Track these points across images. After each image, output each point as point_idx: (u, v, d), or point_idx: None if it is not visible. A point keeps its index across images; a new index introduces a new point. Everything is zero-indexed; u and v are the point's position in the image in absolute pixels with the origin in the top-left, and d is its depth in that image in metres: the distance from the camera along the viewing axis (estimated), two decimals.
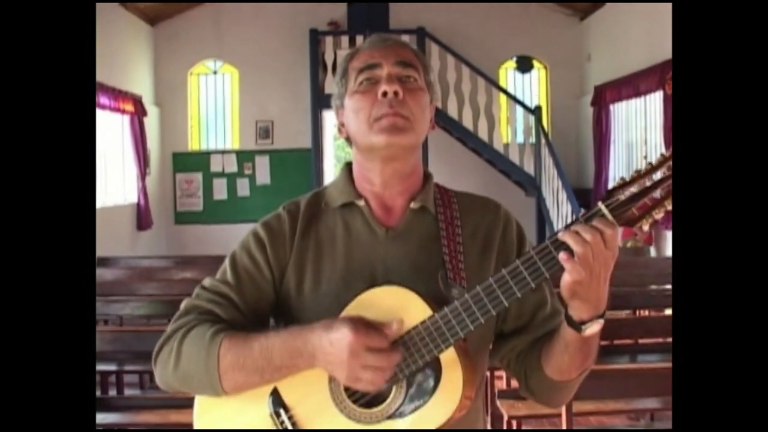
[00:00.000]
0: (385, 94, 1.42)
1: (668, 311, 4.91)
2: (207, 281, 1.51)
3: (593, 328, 1.31)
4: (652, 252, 7.19)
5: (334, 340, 1.29)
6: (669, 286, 4.87)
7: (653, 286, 5.04)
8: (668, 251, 7.39)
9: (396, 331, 1.31)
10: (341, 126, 1.52)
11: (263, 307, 1.49)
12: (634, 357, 4.07)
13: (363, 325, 1.30)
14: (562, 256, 1.24)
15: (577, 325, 1.31)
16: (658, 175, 1.24)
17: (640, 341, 4.15)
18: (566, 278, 1.25)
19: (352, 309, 1.38)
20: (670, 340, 3.84)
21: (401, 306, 1.34)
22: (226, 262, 1.52)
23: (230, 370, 1.36)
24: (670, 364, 2.95)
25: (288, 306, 1.48)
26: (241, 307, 1.47)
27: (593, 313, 1.30)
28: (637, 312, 4.72)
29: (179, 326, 1.44)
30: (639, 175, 1.25)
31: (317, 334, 1.32)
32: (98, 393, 3.83)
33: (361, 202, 1.50)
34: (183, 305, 1.49)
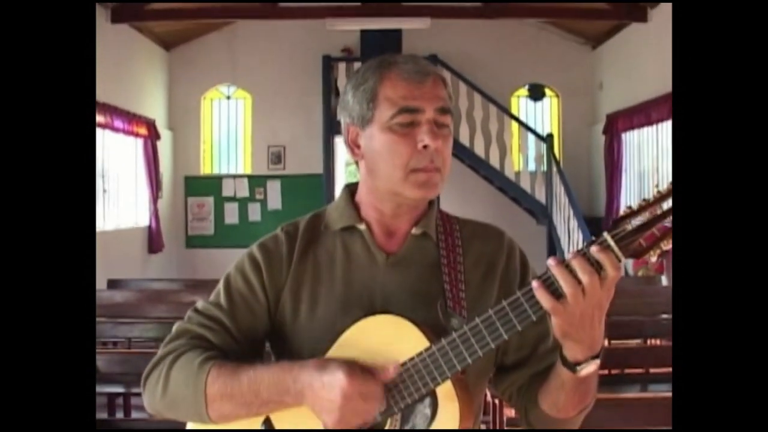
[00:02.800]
0: (426, 146, 1.37)
1: None
2: (200, 304, 1.47)
3: (588, 369, 1.26)
4: (664, 281, 7.15)
5: (327, 384, 1.25)
6: None
7: (664, 315, 5.00)
8: None
9: (392, 375, 1.28)
10: (355, 146, 1.45)
11: (257, 332, 1.45)
12: (644, 386, 4.03)
13: (359, 370, 1.26)
14: (537, 290, 1.19)
15: (572, 366, 1.26)
16: (667, 204, 1.19)
17: (651, 371, 4.11)
18: (552, 318, 1.20)
19: (348, 337, 1.35)
20: None
21: (397, 336, 1.31)
22: (221, 284, 1.48)
23: (217, 400, 1.32)
24: None
25: (283, 330, 1.44)
26: (233, 332, 1.43)
27: (588, 354, 1.25)
28: (648, 341, 4.69)
29: (169, 351, 1.41)
30: (647, 204, 1.20)
31: (308, 372, 1.28)
32: (105, 415, 3.82)
33: (362, 226, 1.46)
34: (174, 329, 1.46)
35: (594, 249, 1.17)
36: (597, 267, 1.17)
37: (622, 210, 1.25)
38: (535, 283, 1.20)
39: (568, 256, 1.20)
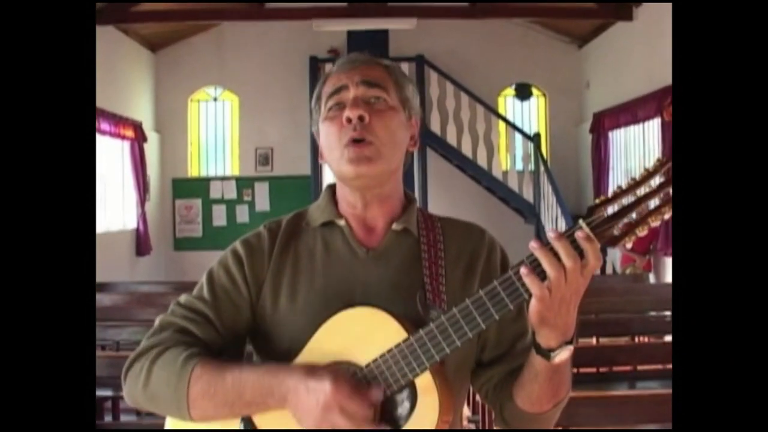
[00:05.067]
0: (349, 120, 1.39)
1: (667, 338, 4.90)
2: (183, 298, 1.48)
3: (562, 355, 1.27)
4: (651, 279, 7.19)
5: (312, 389, 1.25)
6: (668, 313, 4.86)
7: (652, 313, 5.02)
8: (667, 278, 7.38)
9: (378, 397, 1.27)
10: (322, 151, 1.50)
11: (240, 325, 1.45)
12: (632, 384, 4.04)
13: (346, 384, 1.25)
14: (527, 276, 1.19)
15: (546, 353, 1.27)
16: (642, 191, 1.20)
17: (639, 368, 4.13)
18: (533, 303, 1.21)
19: (326, 329, 1.35)
20: (669, 366, 3.82)
21: (376, 328, 1.31)
22: (203, 279, 1.49)
23: (199, 398, 1.32)
24: (669, 391, 2.93)
25: (264, 322, 1.45)
26: (216, 324, 1.43)
27: (561, 340, 1.26)
28: (636, 339, 4.71)
29: (152, 344, 1.40)
30: (621, 191, 1.21)
31: (295, 377, 1.27)
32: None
33: (342, 222, 1.48)
34: (157, 322, 1.46)
35: (580, 235, 1.18)
36: (579, 252, 1.18)
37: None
38: (524, 269, 1.20)
39: (549, 235, 1.20)
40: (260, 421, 1.36)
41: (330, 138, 1.43)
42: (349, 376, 1.28)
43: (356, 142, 1.39)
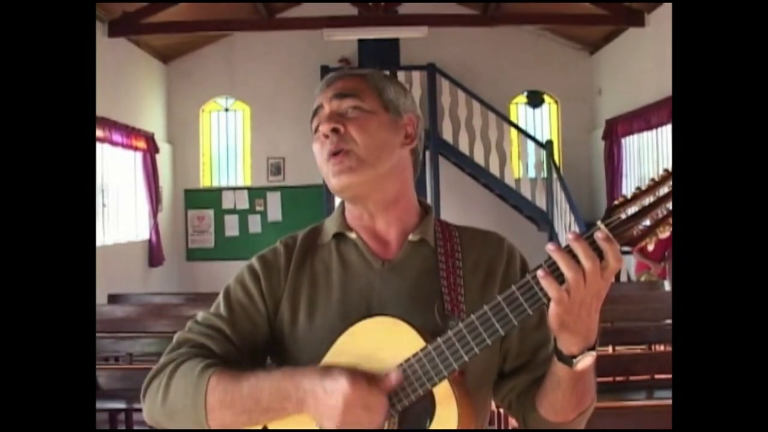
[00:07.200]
0: (326, 135, 1.41)
1: None
2: (200, 315, 1.47)
3: (585, 362, 1.24)
4: (667, 286, 7.13)
5: (329, 390, 1.23)
6: None
7: (668, 321, 4.98)
8: None
9: (394, 382, 1.25)
10: None
11: (258, 341, 1.45)
12: (650, 393, 4.01)
13: (362, 378, 1.24)
14: (544, 278, 1.17)
15: (568, 360, 1.25)
16: (661, 191, 1.17)
17: (656, 377, 4.09)
18: (552, 307, 1.18)
19: (344, 341, 1.33)
20: None
21: (393, 337, 1.28)
22: (221, 296, 1.48)
23: (217, 407, 1.31)
24: None
25: (282, 339, 1.44)
26: (234, 340, 1.42)
27: (583, 345, 1.23)
28: (653, 347, 4.67)
29: (170, 360, 1.40)
30: (641, 192, 1.18)
31: (310, 379, 1.26)
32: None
33: (353, 235, 1.47)
34: (175, 338, 1.45)
35: (599, 236, 1.16)
36: (599, 254, 1.16)
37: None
38: (541, 272, 1.18)
39: (568, 237, 1.18)
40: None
41: (317, 157, 1.45)
42: (359, 371, 1.26)
43: (335, 154, 1.40)
